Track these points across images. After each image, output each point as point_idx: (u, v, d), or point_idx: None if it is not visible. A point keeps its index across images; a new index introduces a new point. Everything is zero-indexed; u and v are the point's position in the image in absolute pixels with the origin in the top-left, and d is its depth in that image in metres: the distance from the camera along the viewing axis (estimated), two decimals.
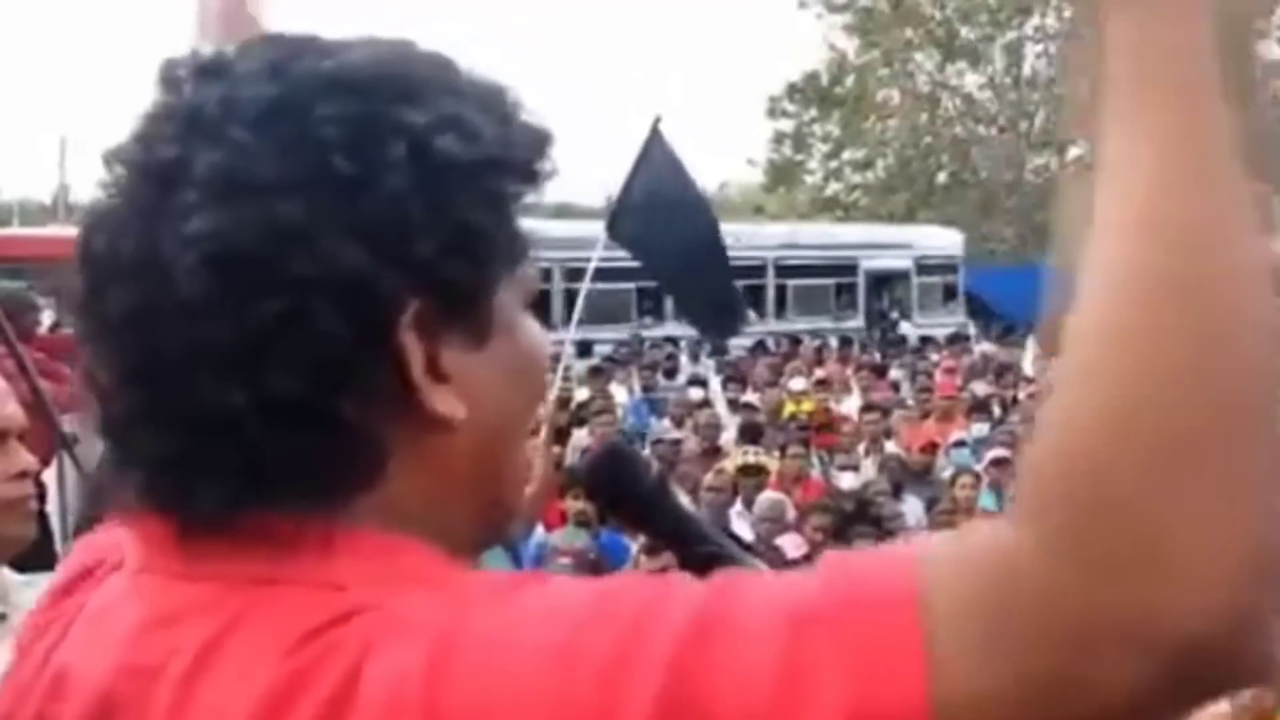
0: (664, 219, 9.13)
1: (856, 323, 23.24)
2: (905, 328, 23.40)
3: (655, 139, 9.25)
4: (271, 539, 0.84)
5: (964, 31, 38.23)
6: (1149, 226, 0.75)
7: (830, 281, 23.66)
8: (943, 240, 26.71)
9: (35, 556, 2.64)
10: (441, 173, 0.86)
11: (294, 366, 0.82)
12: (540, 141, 0.94)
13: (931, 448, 10.28)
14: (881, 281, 24.86)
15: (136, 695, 0.85)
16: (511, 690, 0.74)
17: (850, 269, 23.84)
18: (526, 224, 0.93)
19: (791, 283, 22.94)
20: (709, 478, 8.60)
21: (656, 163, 9.16)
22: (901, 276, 25.09)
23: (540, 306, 0.98)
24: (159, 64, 0.92)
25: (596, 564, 6.53)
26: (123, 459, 0.89)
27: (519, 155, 0.92)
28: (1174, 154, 0.77)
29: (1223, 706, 4.87)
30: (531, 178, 0.94)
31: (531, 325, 0.95)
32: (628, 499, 1.26)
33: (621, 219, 9.17)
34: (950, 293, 25.71)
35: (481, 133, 0.88)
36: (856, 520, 8.03)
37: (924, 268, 25.25)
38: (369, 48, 0.91)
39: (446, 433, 0.88)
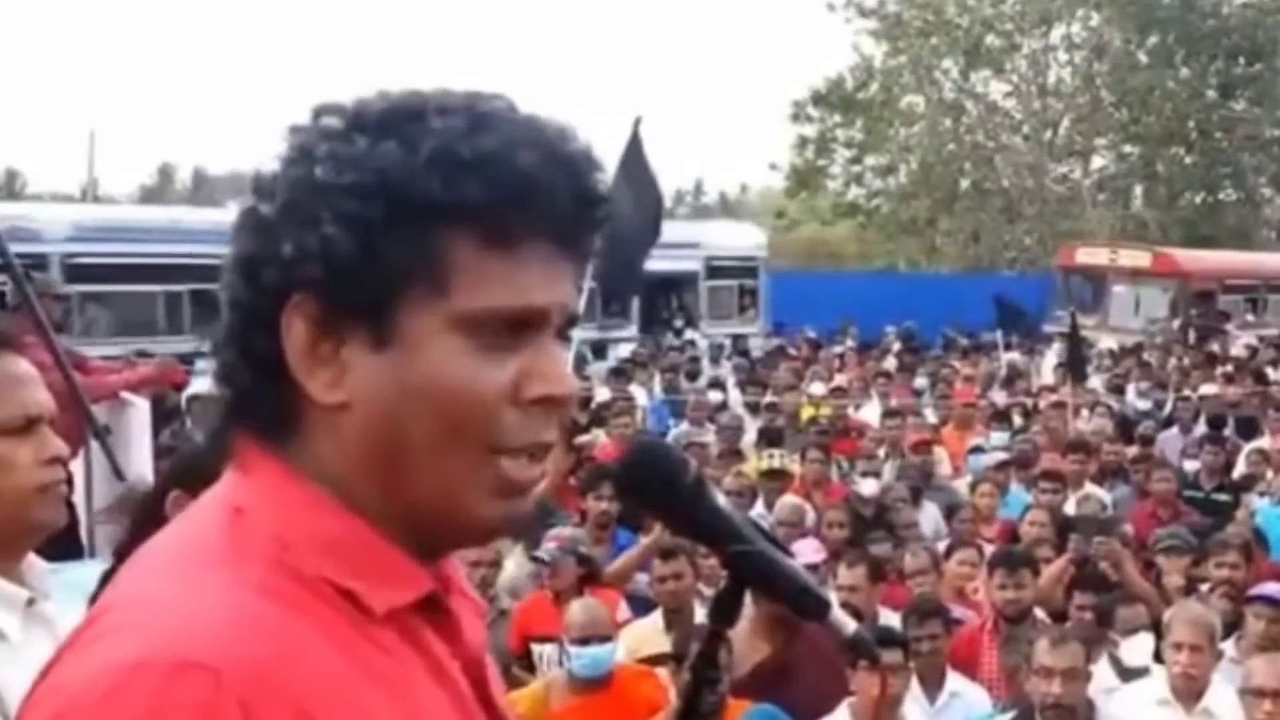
0: (628, 219, 9.08)
1: (628, 331, 20.16)
2: (692, 335, 21.09)
3: (635, 141, 9.24)
4: (240, 467, 1.11)
5: (989, 39, 38.09)
6: None
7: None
8: (739, 240, 24.39)
9: (60, 546, 2.66)
10: (311, 193, 1.04)
11: (233, 326, 1.09)
12: (493, 186, 1.04)
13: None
14: (664, 285, 21.44)
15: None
16: None
17: None
18: (482, 256, 1.04)
19: None
20: (728, 480, 8.60)
21: (633, 165, 9.15)
22: (688, 280, 22.39)
23: None
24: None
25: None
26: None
27: (426, 190, 1.03)
28: None
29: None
30: (457, 213, 1.03)
31: (450, 351, 1.04)
32: (665, 496, 1.26)
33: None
34: (749, 297, 23.57)
35: (361, 164, 1.04)
36: (872, 526, 8.03)
37: (715, 270, 22.82)
38: (377, 97, 1.10)
39: (337, 412, 1.06)
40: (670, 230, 21.74)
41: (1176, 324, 23.74)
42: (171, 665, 0.94)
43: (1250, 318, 25.59)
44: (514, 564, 6.87)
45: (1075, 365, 14.71)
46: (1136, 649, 5.87)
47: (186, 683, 0.93)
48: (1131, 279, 24.81)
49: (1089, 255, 26.18)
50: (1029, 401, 13.77)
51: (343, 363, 1.04)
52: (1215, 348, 20.38)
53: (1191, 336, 22.54)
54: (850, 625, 1.34)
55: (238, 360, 1.08)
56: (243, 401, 1.10)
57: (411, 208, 1.02)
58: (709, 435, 11.12)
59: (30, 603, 2.21)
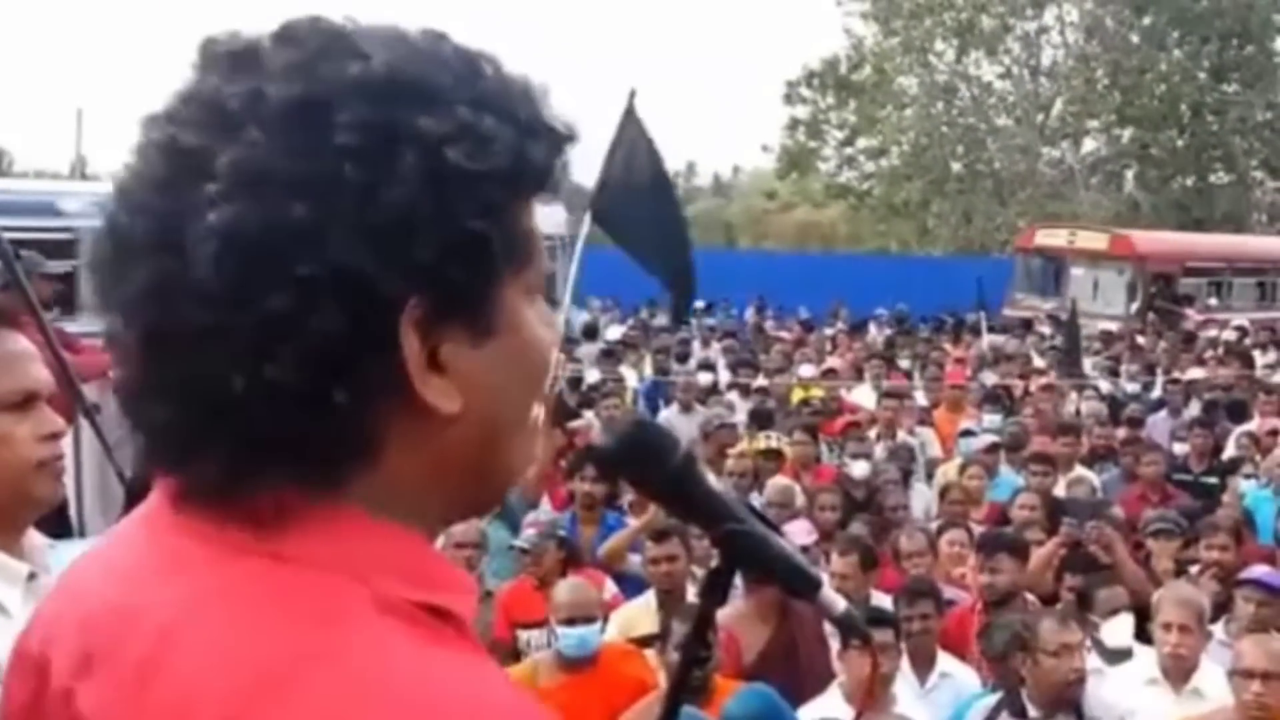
0: (637, 199, 9.07)
1: None
2: None
3: (630, 115, 9.21)
4: (261, 511, 0.91)
5: (982, 20, 38.06)
6: None
7: None
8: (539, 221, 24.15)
9: (50, 523, 2.67)
10: (448, 182, 0.90)
11: (294, 357, 0.87)
12: (558, 145, 0.98)
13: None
14: None
15: (119, 635, 0.92)
16: None
17: None
18: (531, 221, 0.97)
19: None
20: (730, 462, 8.61)
21: (630, 139, 9.12)
22: None
23: None
24: (199, 41, 0.96)
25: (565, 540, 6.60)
26: (132, 422, 0.96)
27: (532, 163, 0.95)
28: None
29: (1227, 706, 4.90)
30: (543, 182, 0.97)
31: (536, 320, 0.99)
32: (655, 476, 1.26)
33: (603, 200, 9.14)
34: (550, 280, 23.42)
35: (494, 143, 0.91)
36: (863, 509, 8.06)
37: None
38: (397, 47, 0.94)
39: (443, 423, 0.93)
40: None
41: (1135, 307, 23.45)
42: None
43: (1213, 301, 25.21)
44: None
45: (1070, 353, 14.73)
46: (1116, 630, 5.89)
47: None
48: (1090, 261, 24.54)
49: (1047, 237, 25.91)
50: (1019, 384, 13.78)
51: (443, 366, 0.92)
52: (1170, 331, 19.96)
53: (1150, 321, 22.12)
54: (840, 604, 1.35)
55: (338, 399, 0.89)
56: (314, 443, 0.90)
57: (524, 184, 0.95)
58: (698, 418, 11.13)
59: (31, 577, 2.23)
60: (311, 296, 0.86)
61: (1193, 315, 22.65)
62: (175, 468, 0.94)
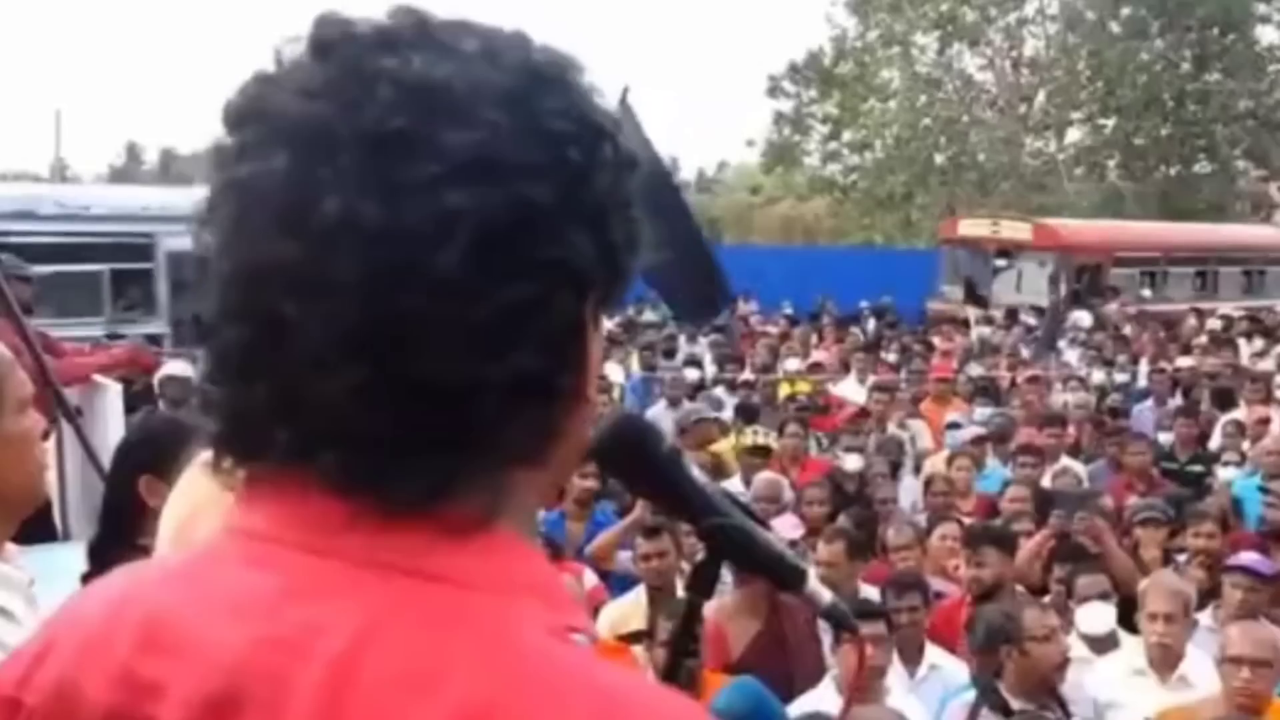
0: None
1: (154, 327, 14.11)
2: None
3: (623, 112, 9.19)
4: (426, 528, 0.86)
5: (964, 12, 38.13)
6: None
7: (103, 268, 14.57)
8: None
9: (33, 527, 2.66)
10: (626, 173, 0.92)
11: (541, 345, 0.86)
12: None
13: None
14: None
15: (277, 669, 0.84)
16: None
17: (143, 251, 14.66)
18: None
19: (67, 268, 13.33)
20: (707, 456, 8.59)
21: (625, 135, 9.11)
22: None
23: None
24: (315, 21, 0.90)
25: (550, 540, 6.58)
26: (314, 435, 0.85)
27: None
28: None
29: (1215, 694, 4.91)
30: None
31: None
32: (640, 469, 1.26)
33: None
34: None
35: (621, 133, 0.93)
36: (852, 502, 8.06)
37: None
38: (521, 39, 0.93)
39: (583, 411, 0.93)
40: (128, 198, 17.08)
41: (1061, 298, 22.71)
42: None
43: (1147, 292, 24.30)
44: None
45: (1048, 338, 14.80)
46: (1091, 617, 5.89)
47: None
48: (1013, 252, 24.10)
49: (971, 227, 25.32)
50: (1005, 376, 13.82)
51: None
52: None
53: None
54: (827, 596, 1.34)
55: (563, 386, 0.88)
56: (533, 440, 0.88)
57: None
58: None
59: (29, 584, 2.24)
60: (553, 282, 0.85)
61: (1117, 307, 21.75)
62: (372, 484, 0.85)
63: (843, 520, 7.08)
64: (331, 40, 0.88)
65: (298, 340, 0.83)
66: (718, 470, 8.61)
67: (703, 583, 1.32)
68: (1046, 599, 6.19)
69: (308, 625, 0.84)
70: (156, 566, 1.01)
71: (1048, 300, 21.84)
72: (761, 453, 8.90)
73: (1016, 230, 24.53)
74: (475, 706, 0.80)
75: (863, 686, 4.90)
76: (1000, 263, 24.29)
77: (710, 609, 5.89)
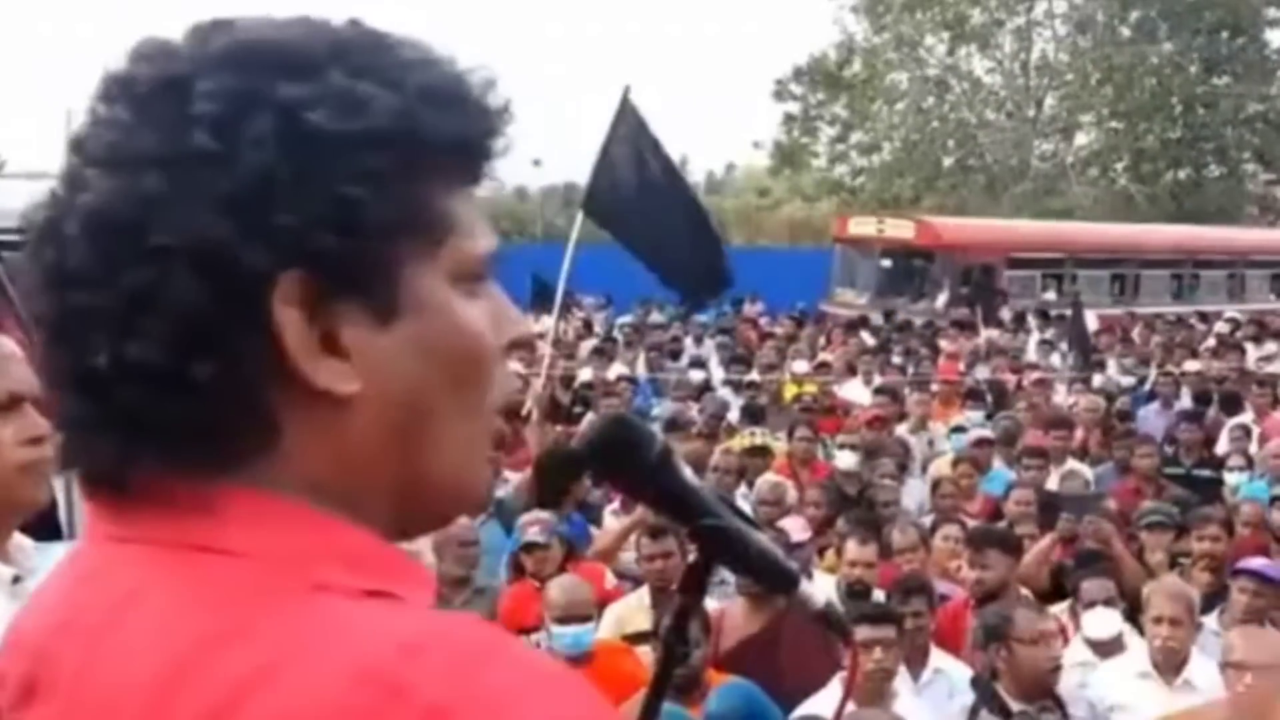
0: (639, 193, 9.06)
1: None
2: None
3: (625, 111, 9.19)
4: (173, 502, 0.88)
5: (974, 15, 38.10)
6: None
7: None
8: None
9: (40, 524, 2.66)
10: (310, 146, 0.86)
11: (155, 332, 0.85)
12: (479, 123, 0.94)
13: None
14: None
15: (55, 649, 0.90)
16: None
17: None
18: (460, 201, 0.94)
19: None
20: (715, 458, 8.58)
21: (627, 135, 9.11)
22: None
23: None
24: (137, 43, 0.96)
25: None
26: (55, 421, 0.94)
27: (429, 132, 0.90)
28: None
29: (1220, 698, 4.89)
30: (460, 158, 0.94)
31: (466, 306, 0.94)
32: (631, 470, 1.25)
33: (596, 196, 9.12)
34: None
35: (366, 107, 0.87)
36: (853, 504, 8.05)
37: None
38: (275, 23, 0.92)
39: (343, 407, 0.89)
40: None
41: (942, 300, 21.99)
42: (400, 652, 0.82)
43: (1050, 296, 22.98)
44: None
45: (1079, 345, 14.66)
46: (1099, 623, 5.88)
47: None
48: (900, 251, 23.18)
49: (859, 226, 24.37)
50: (1011, 378, 13.79)
51: (343, 347, 0.88)
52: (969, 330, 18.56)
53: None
54: (819, 599, 1.33)
55: (199, 376, 0.86)
56: (195, 426, 0.87)
57: (415, 153, 0.90)
58: (693, 414, 11.13)
59: (15, 580, 2.22)
60: (168, 268, 0.84)
61: (1007, 310, 20.95)
62: (79, 460, 0.91)
63: (839, 525, 7.08)
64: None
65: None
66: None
67: (693, 584, 1.31)
68: (1059, 606, 6.18)
69: (80, 605, 0.90)
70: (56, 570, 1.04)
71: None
72: (760, 453, 8.89)
73: (900, 229, 23.54)
74: (182, 662, 0.83)
75: (859, 690, 4.90)
76: (885, 263, 23.45)
77: (721, 604, 5.91)
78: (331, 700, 0.79)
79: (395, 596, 0.88)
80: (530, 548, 6.31)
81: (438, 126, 0.90)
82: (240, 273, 0.85)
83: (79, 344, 0.87)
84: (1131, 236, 27.00)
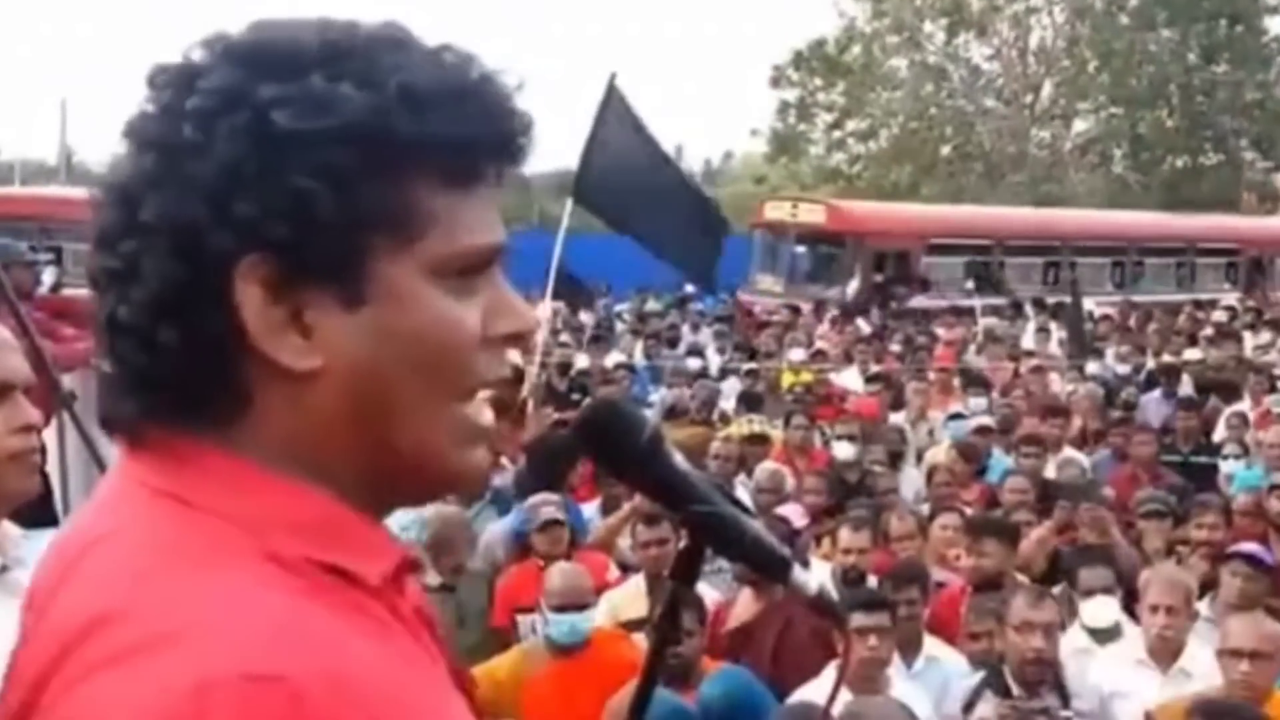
0: (629, 177, 9.08)
1: None
2: None
3: (611, 97, 9.21)
4: (166, 454, 0.99)
5: (973, 1, 38.04)
6: None
7: None
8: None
9: (35, 513, 2.65)
10: (274, 142, 0.94)
11: (136, 297, 0.96)
12: (466, 121, 0.98)
13: None
14: None
15: (46, 570, 1.03)
16: None
17: None
18: (448, 198, 0.99)
19: None
20: (715, 445, 8.58)
21: (614, 121, 9.13)
22: None
23: None
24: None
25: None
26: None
27: (396, 131, 0.96)
28: None
29: (1216, 682, 4.90)
30: (436, 156, 0.98)
31: (440, 298, 0.99)
32: (621, 455, 1.24)
33: (585, 183, 9.13)
34: None
35: (331, 107, 0.94)
36: (853, 493, 8.05)
37: None
38: (290, 26, 1.01)
39: (307, 381, 0.97)
40: None
41: (853, 288, 21.32)
42: (242, 680, 0.85)
43: (970, 284, 22.22)
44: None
45: (1075, 337, 14.64)
46: (1097, 611, 5.88)
47: (264, 701, 0.85)
48: (812, 236, 22.37)
49: (774, 210, 23.40)
50: (1008, 366, 13.78)
51: (308, 327, 0.96)
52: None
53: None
54: (813, 586, 1.32)
55: (168, 341, 0.95)
56: (173, 386, 0.97)
57: (386, 151, 0.96)
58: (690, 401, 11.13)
59: (2, 570, 2.21)
60: (149, 242, 0.95)
61: (924, 300, 20.46)
62: (99, 406, 1.03)
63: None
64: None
65: None
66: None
67: (684, 571, 1.30)
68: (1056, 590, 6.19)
69: (76, 533, 1.02)
70: None
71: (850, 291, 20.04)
72: (757, 441, 8.88)
73: (812, 213, 22.71)
74: (110, 613, 0.90)
75: (852, 676, 4.89)
76: (799, 249, 22.71)
77: (726, 597, 5.93)
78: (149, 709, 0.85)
79: (341, 570, 0.96)
80: (547, 526, 6.30)
81: (415, 127, 0.96)
82: (208, 253, 0.94)
83: (99, 298, 1.00)
84: (1056, 223, 25.84)
